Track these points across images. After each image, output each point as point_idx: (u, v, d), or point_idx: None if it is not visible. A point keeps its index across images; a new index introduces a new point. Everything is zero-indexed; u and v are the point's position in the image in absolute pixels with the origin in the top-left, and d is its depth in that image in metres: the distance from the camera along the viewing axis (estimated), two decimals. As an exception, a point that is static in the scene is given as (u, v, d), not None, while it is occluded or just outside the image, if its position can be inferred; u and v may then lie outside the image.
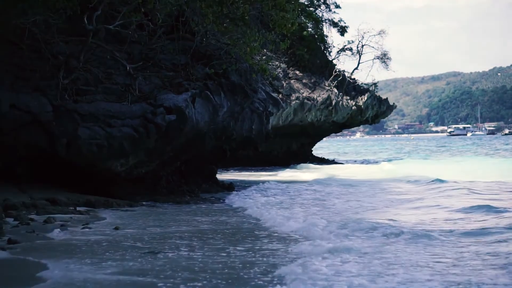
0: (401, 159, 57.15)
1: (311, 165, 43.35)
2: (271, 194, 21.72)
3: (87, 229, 12.85)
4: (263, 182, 25.98)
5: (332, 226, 12.57)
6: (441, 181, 25.16)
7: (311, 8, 46.92)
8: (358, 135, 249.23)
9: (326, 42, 48.06)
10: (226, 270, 8.80)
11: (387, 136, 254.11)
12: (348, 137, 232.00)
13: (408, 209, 16.67)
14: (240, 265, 9.14)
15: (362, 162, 53.39)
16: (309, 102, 41.46)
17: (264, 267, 8.98)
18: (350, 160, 58.52)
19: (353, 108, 46.85)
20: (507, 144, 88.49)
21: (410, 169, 35.31)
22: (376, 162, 51.37)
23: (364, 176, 32.23)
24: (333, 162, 51.26)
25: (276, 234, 12.38)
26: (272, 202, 18.60)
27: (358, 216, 14.67)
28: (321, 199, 20.17)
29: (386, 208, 17.35)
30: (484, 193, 20.44)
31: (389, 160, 52.44)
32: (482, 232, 11.72)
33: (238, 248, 10.62)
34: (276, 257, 9.78)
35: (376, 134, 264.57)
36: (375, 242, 10.72)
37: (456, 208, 15.91)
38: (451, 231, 11.92)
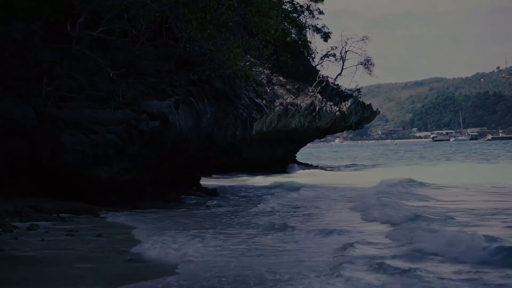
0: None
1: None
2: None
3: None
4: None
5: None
6: None
7: (294, 14, 47.02)
8: (337, 141, 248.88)
9: (310, 48, 48.20)
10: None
11: (370, 141, 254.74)
12: (331, 143, 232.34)
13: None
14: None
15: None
16: (292, 108, 41.50)
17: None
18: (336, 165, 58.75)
19: (336, 113, 46.98)
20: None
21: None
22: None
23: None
24: (316, 167, 51.63)
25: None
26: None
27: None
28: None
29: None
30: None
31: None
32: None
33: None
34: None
35: (360, 139, 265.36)
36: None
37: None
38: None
